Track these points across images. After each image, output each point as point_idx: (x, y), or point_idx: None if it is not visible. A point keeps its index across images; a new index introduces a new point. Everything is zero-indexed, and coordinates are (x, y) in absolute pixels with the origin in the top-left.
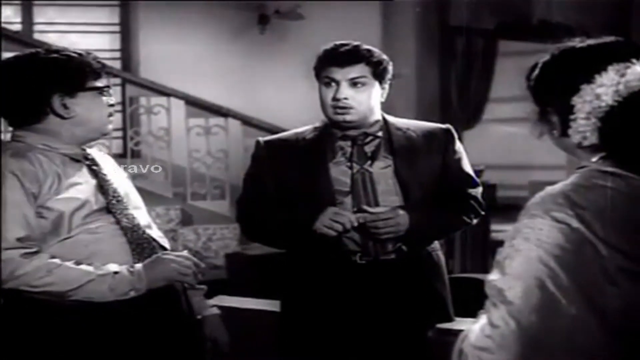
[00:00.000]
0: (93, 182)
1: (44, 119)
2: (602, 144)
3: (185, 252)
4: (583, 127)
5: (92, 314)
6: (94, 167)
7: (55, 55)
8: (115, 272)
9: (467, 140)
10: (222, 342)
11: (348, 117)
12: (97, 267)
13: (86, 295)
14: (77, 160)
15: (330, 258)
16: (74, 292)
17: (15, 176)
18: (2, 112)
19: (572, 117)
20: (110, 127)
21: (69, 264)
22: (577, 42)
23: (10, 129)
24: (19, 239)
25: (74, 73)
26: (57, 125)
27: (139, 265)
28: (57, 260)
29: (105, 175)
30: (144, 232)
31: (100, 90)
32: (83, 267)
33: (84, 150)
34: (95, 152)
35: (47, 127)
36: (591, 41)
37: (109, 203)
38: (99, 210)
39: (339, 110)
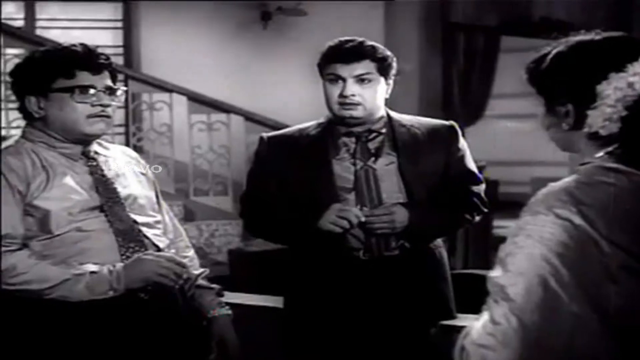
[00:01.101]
0: (89, 181)
1: (31, 117)
2: (622, 133)
3: (168, 253)
4: (608, 114)
5: (77, 313)
6: (93, 167)
7: (34, 54)
8: (93, 272)
9: (469, 136)
10: (229, 344)
11: (355, 113)
12: (76, 267)
13: (63, 294)
14: (75, 160)
15: (334, 254)
16: (50, 290)
17: (1, 174)
18: None
19: (593, 105)
20: (100, 126)
21: (46, 262)
22: (594, 35)
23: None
24: None
25: (42, 73)
26: (49, 124)
27: (119, 265)
28: (34, 259)
29: (104, 175)
30: (139, 232)
31: (79, 90)
32: (60, 266)
33: (86, 148)
34: (112, 149)
35: (42, 125)
36: (608, 34)
37: (104, 204)
38: (91, 210)
39: (346, 107)
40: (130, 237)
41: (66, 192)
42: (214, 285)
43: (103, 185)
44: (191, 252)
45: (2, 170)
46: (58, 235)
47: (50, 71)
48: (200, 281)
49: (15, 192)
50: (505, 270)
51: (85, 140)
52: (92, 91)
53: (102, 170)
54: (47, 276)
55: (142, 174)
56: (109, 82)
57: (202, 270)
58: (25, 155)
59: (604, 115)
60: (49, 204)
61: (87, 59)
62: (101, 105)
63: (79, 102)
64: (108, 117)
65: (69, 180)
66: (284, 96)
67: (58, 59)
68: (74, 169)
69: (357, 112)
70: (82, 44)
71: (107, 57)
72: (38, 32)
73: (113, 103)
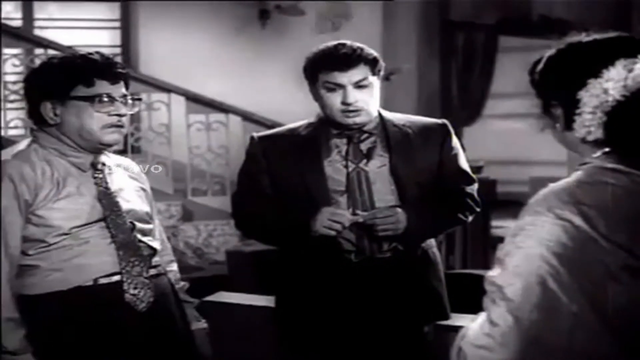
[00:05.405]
0: (94, 193)
1: (45, 123)
2: (607, 138)
3: None
4: (589, 121)
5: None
6: (99, 179)
7: (52, 60)
8: None
9: (467, 135)
10: (204, 356)
11: (358, 120)
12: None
13: None
14: (84, 170)
15: (325, 257)
16: None
17: (12, 182)
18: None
19: (577, 111)
20: (115, 137)
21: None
22: (583, 37)
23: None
24: None
25: (61, 80)
26: (64, 131)
27: None
28: None
29: (108, 188)
30: (138, 241)
31: (98, 99)
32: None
33: (96, 158)
34: (115, 162)
35: (56, 132)
36: (598, 36)
37: (107, 216)
38: (94, 222)
39: (350, 114)
40: (129, 246)
41: (72, 204)
42: (192, 300)
43: (107, 197)
44: (175, 267)
45: (14, 178)
46: (55, 243)
47: (71, 78)
48: (181, 295)
49: (22, 202)
50: (503, 270)
51: (98, 149)
52: (106, 99)
53: (106, 182)
54: None
55: (143, 189)
56: (124, 91)
57: (183, 283)
58: (37, 164)
59: (585, 121)
60: (53, 215)
61: (107, 67)
62: (118, 115)
63: (98, 111)
64: (122, 127)
65: (76, 193)
66: (283, 96)
67: (79, 66)
68: (82, 181)
69: (361, 118)
70: (99, 52)
71: (124, 66)
72: (36, 31)
73: (129, 112)
